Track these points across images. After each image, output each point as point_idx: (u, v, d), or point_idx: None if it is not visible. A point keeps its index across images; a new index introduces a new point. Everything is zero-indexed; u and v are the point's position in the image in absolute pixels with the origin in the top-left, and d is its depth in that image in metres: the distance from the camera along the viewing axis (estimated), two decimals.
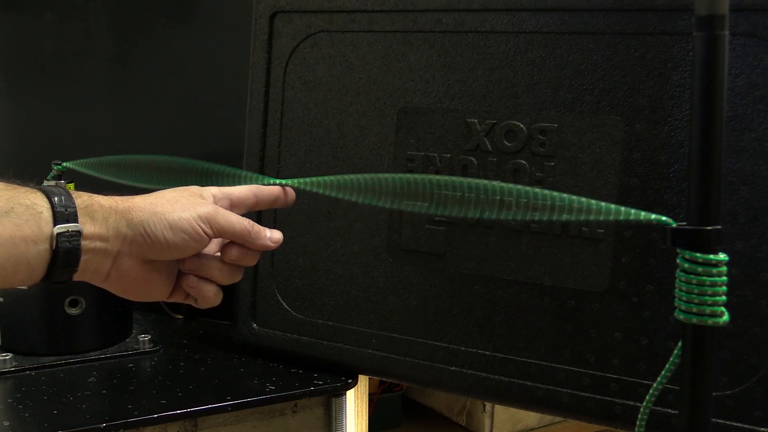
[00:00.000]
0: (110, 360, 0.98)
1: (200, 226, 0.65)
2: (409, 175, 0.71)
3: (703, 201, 0.58)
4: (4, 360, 0.94)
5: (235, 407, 0.86)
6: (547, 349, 0.82)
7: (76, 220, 0.60)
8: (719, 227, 0.58)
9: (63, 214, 0.60)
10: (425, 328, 0.89)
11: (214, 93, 1.18)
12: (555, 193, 0.64)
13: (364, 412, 1.09)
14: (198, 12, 1.20)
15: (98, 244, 0.62)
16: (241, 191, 0.73)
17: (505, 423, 1.32)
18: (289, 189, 0.77)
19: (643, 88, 0.78)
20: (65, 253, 0.59)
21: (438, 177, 0.70)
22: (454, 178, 0.69)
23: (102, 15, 1.25)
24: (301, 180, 0.78)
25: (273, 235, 0.71)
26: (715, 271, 0.58)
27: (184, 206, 0.66)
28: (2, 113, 1.32)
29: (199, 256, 0.69)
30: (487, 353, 0.85)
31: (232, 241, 0.70)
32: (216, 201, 0.70)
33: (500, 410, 1.31)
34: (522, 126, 0.83)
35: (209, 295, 0.70)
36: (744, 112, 0.73)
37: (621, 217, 0.61)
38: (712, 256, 0.58)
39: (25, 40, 1.29)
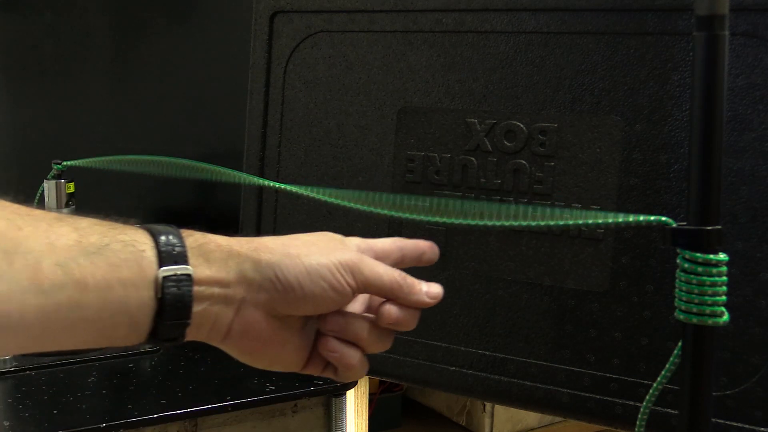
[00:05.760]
0: (110, 360, 0.98)
1: (342, 276, 0.55)
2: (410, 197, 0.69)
3: (703, 201, 0.58)
4: (4, 360, 0.94)
5: (235, 407, 0.86)
6: (547, 349, 0.82)
7: (185, 262, 0.49)
8: (719, 227, 0.58)
9: (170, 253, 0.49)
10: (425, 328, 0.89)
11: (214, 93, 1.18)
12: (557, 210, 0.63)
13: (364, 412, 1.09)
14: (198, 12, 1.20)
15: (216, 290, 0.51)
16: (386, 244, 0.62)
17: (505, 423, 1.32)
18: (433, 245, 0.66)
19: (643, 88, 0.78)
20: (173, 300, 0.48)
21: (440, 200, 0.68)
22: (456, 201, 0.67)
23: (102, 15, 1.25)
24: (301, 187, 0.78)
25: (431, 290, 0.60)
26: (715, 271, 0.58)
27: (323, 251, 0.55)
28: (2, 113, 1.32)
29: (343, 315, 0.57)
30: (487, 353, 0.85)
31: (387, 297, 0.59)
32: (358, 250, 0.59)
33: (500, 410, 1.31)
34: (522, 126, 0.83)
35: (353, 363, 0.58)
36: (744, 112, 0.73)
37: (620, 221, 0.61)
38: (712, 256, 0.58)
39: (25, 40, 1.29)
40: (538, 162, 0.82)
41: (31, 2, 1.28)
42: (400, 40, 0.90)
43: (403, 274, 0.59)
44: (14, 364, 0.95)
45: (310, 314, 0.56)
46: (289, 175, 0.96)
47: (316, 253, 0.55)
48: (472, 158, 0.86)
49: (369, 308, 0.61)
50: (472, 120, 0.86)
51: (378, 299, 0.59)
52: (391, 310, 0.58)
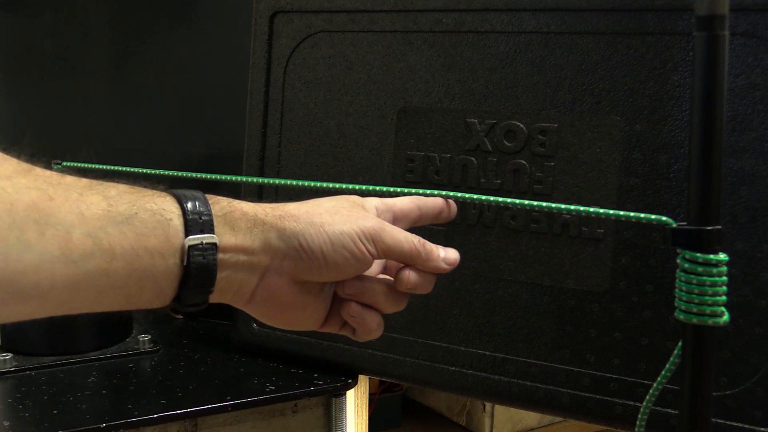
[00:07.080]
0: (110, 360, 0.98)
1: (363, 244, 0.56)
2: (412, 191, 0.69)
3: (703, 201, 0.58)
4: (4, 360, 0.94)
5: (235, 407, 0.86)
6: (547, 349, 0.82)
7: (211, 230, 0.51)
8: (719, 227, 0.58)
9: (196, 222, 0.50)
10: (425, 328, 0.89)
11: (214, 93, 1.18)
12: (554, 204, 0.64)
13: (364, 412, 1.09)
14: (198, 12, 1.20)
15: (241, 257, 0.53)
16: (404, 203, 0.63)
17: (505, 423, 1.32)
18: (451, 201, 0.66)
19: (643, 88, 0.78)
20: (198, 269, 0.50)
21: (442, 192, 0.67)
22: (458, 194, 0.66)
23: (102, 15, 1.25)
24: (302, 182, 0.78)
25: (448, 256, 0.60)
26: (715, 271, 0.58)
27: (345, 219, 0.56)
28: (2, 113, 1.32)
29: (360, 279, 0.58)
30: (487, 353, 0.85)
31: (405, 263, 0.59)
32: (378, 214, 0.60)
33: (500, 410, 1.31)
34: (522, 126, 0.83)
35: (372, 326, 0.59)
36: (744, 112, 0.73)
37: (621, 216, 0.62)
38: (712, 256, 0.58)
39: (25, 40, 1.29)
40: (538, 162, 0.82)
41: (31, 2, 1.28)
42: (400, 40, 0.90)
43: (422, 240, 0.59)
44: (14, 364, 0.95)
45: (332, 280, 0.58)
46: (289, 175, 0.96)
47: (339, 221, 0.56)
48: (472, 158, 0.86)
49: (385, 269, 0.62)
50: (472, 120, 0.86)
51: (395, 262, 0.60)
52: (410, 275, 0.59)
